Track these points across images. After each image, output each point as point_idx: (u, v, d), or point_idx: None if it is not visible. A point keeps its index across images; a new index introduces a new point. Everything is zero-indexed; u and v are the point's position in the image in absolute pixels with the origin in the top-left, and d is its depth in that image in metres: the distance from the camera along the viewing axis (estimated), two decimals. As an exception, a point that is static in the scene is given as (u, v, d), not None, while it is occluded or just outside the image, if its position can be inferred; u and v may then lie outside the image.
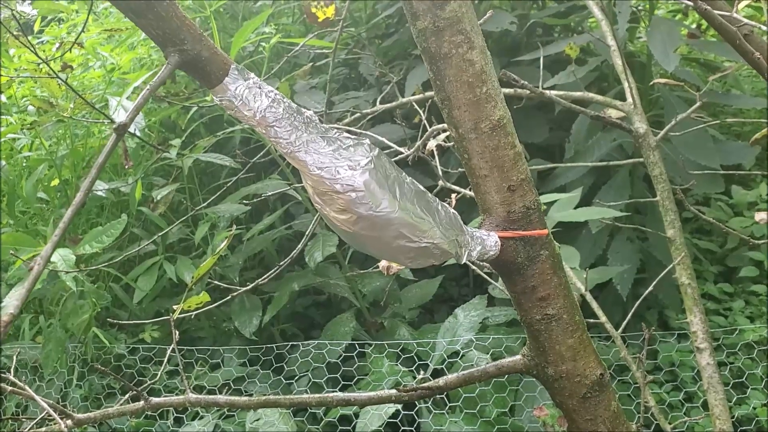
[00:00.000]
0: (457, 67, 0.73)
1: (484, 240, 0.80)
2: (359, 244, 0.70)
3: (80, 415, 1.14)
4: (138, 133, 2.19)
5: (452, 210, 0.76)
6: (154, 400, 1.12)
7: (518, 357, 0.88)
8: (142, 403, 1.12)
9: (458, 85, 0.73)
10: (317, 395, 0.94)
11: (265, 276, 1.49)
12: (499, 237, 0.79)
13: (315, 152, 0.60)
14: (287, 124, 0.59)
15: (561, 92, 1.73)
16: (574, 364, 0.84)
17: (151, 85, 0.51)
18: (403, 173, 0.68)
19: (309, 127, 0.60)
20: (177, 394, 1.88)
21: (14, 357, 1.21)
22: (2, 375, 1.15)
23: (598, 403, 0.86)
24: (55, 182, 2.51)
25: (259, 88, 0.58)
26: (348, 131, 0.67)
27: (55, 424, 1.15)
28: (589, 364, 0.84)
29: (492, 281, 1.42)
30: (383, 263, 1.15)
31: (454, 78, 0.73)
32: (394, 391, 0.88)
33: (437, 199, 0.72)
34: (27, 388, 0.97)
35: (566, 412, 0.87)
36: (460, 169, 1.98)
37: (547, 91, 1.57)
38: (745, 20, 0.98)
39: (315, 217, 1.67)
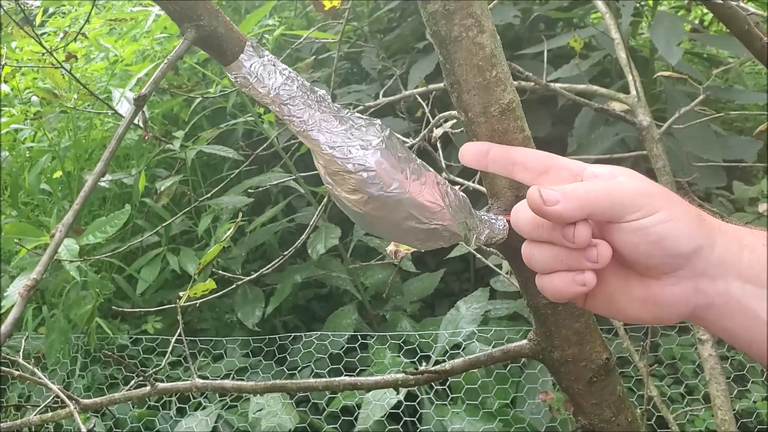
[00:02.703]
0: (467, 50, 0.73)
1: (493, 224, 0.80)
2: (369, 225, 0.70)
3: (86, 401, 1.15)
4: (141, 125, 2.19)
5: (461, 193, 0.76)
6: (160, 385, 1.12)
7: (524, 342, 0.89)
8: (148, 388, 1.12)
9: (468, 69, 0.74)
10: (323, 380, 0.95)
11: (269, 266, 1.49)
12: (507, 221, 0.79)
13: (327, 131, 0.61)
14: (301, 103, 0.59)
15: (565, 85, 1.74)
16: (580, 348, 0.84)
17: (169, 59, 0.52)
18: (413, 155, 0.69)
19: (322, 105, 0.61)
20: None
21: (22, 342, 1.21)
22: (11, 360, 1.16)
23: (604, 388, 0.86)
24: (58, 174, 2.52)
25: (274, 65, 0.58)
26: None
27: (61, 408, 1.16)
28: (595, 349, 0.85)
29: (498, 270, 1.42)
30: (391, 247, 1.15)
31: (464, 61, 0.73)
32: (401, 374, 0.89)
33: (447, 181, 0.72)
34: (38, 371, 0.98)
35: (572, 397, 0.87)
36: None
37: (552, 84, 1.57)
38: (752, 9, 0.98)
39: (318, 210, 1.67)
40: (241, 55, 0.56)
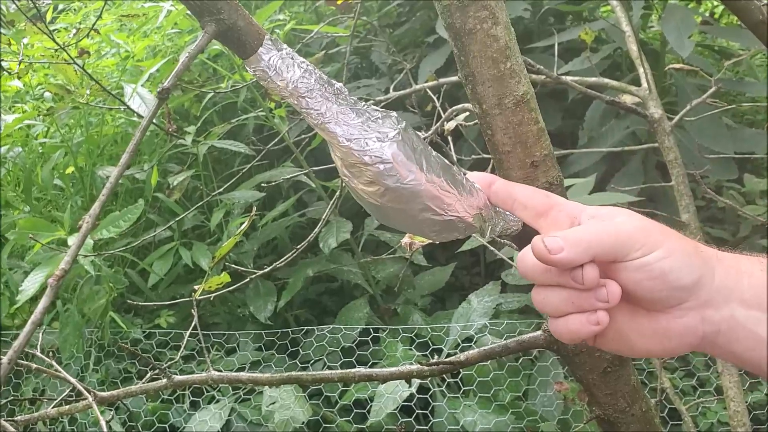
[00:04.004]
0: (481, 42, 0.73)
1: (507, 216, 0.80)
2: (385, 217, 0.70)
3: (103, 393, 1.16)
4: (154, 120, 2.20)
5: (477, 185, 0.77)
6: (177, 377, 1.13)
7: (539, 333, 0.89)
8: (165, 380, 1.13)
9: (482, 61, 0.74)
10: (339, 371, 0.95)
11: (281, 260, 1.50)
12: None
13: (345, 124, 0.61)
14: (318, 96, 0.60)
15: (576, 78, 1.73)
16: (595, 339, 0.85)
17: (191, 52, 0.52)
18: (429, 147, 0.69)
19: (339, 98, 0.61)
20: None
21: (40, 337, 1.22)
22: (28, 353, 1.17)
23: (618, 378, 0.87)
24: (70, 170, 2.53)
25: (292, 58, 0.58)
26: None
27: (77, 401, 1.17)
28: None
29: (511, 262, 1.42)
30: (405, 239, 1.16)
31: (479, 53, 0.74)
32: (416, 366, 0.89)
33: (462, 173, 0.73)
34: (55, 364, 0.99)
35: (586, 387, 0.88)
36: (473, 156, 1.99)
37: (563, 77, 1.57)
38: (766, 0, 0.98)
39: (330, 204, 1.68)
40: (260, 49, 0.56)
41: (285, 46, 0.59)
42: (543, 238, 0.53)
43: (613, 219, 0.55)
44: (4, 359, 0.37)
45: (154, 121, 2.15)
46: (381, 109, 0.64)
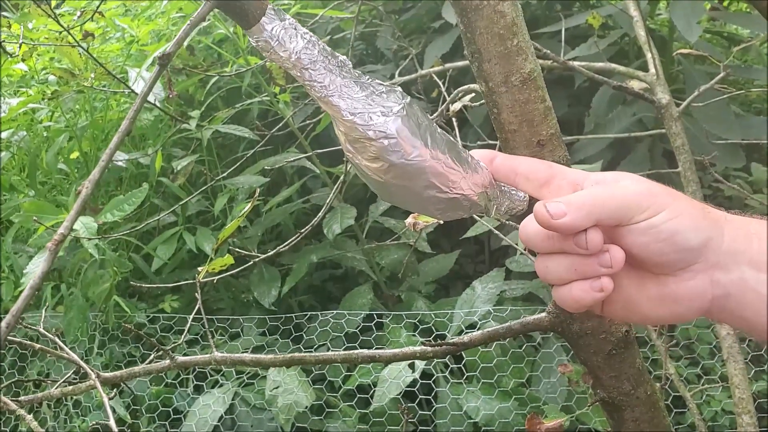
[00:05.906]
0: (488, 18, 0.72)
1: (513, 195, 0.79)
2: (389, 195, 0.70)
3: (106, 374, 1.16)
4: (158, 104, 2.20)
5: (482, 163, 0.76)
6: (180, 358, 1.13)
7: (543, 314, 0.89)
8: (168, 361, 1.13)
9: (489, 38, 0.73)
10: (342, 352, 0.95)
11: (285, 244, 1.49)
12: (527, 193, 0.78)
13: (348, 97, 0.60)
14: (322, 67, 0.59)
15: (583, 63, 1.72)
16: (600, 320, 0.84)
17: (192, 20, 0.52)
18: (434, 123, 0.68)
19: (343, 71, 0.60)
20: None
21: (42, 314, 1.22)
22: (32, 335, 1.17)
23: (623, 360, 0.86)
24: (75, 155, 2.53)
25: (295, 29, 0.57)
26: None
27: (84, 381, 1.17)
28: (614, 321, 0.85)
29: (516, 246, 1.42)
30: (409, 220, 1.15)
31: (485, 30, 0.73)
32: (420, 347, 0.89)
33: (467, 150, 0.72)
34: (59, 341, 0.99)
35: (591, 369, 0.87)
36: (478, 142, 1.98)
37: (570, 62, 1.56)
38: (776, -20, 0.96)
39: (334, 190, 1.67)
40: (262, 18, 0.56)
41: (288, 16, 0.58)
42: (545, 203, 0.52)
43: (617, 182, 0.54)
44: (3, 323, 0.37)
45: (158, 105, 2.12)
46: (385, 84, 0.64)
